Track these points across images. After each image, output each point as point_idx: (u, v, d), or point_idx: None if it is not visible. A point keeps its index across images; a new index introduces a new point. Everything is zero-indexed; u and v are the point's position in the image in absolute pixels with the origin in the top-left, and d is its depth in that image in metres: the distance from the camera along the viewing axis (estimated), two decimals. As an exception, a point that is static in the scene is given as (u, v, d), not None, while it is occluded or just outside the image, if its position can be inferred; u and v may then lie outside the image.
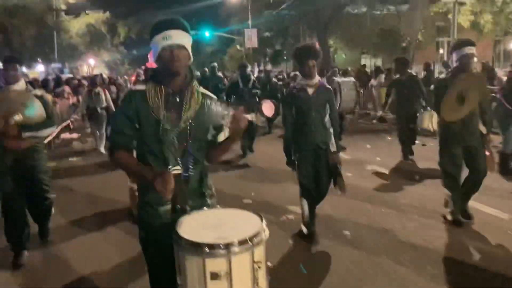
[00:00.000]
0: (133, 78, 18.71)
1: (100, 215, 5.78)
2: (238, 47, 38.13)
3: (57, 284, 3.97)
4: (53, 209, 5.01)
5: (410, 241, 4.65)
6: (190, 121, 2.37)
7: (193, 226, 2.15)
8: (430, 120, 7.93)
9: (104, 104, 9.92)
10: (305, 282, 3.92)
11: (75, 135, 12.03)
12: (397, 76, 8.48)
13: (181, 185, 2.33)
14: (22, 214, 4.56)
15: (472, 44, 4.80)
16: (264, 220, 2.16)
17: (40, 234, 5.00)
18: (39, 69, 31.95)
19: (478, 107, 4.84)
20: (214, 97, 2.55)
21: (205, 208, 2.42)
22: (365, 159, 8.56)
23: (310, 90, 4.56)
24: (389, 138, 10.75)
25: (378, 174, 7.59)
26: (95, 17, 33.37)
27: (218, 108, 2.46)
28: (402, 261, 4.20)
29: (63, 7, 29.52)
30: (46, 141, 5.07)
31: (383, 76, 14.56)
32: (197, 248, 1.96)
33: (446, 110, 4.67)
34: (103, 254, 4.54)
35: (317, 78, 4.63)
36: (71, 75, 25.94)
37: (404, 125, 8.24)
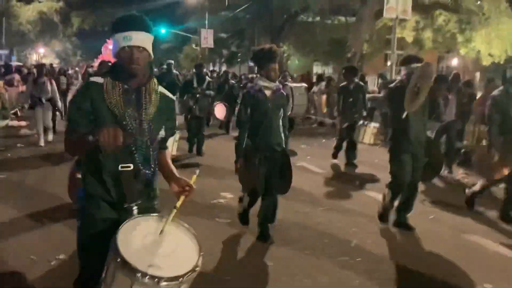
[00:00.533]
0: (82, 71, 18.49)
1: (39, 210, 5.46)
2: (193, 46, 38.36)
3: None
4: None
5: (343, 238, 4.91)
6: (148, 119, 2.37)
7: (133, 239, 2.11)
8: (370, 135, 8.28)
9: (49, 95, 9.71)
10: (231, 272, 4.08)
11: (23, 123, 11.82)
12: (344, 83, 8.80)
13: (131, 182, 2.34)
14: None
15: (419, 60, 5.05)
16: (201, 254, 2.12)
17: None
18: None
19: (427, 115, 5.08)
20: (172, 97, 2.58)
21: (150, 212, 2.38)
22: (297, 157, 8.97)
23: (268, 92, 4.58)
24: (323, 140, 11.48)
25: (305, 170, 8.04)
26: (47, 5, 32.66)
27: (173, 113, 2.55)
28: (342, 262, 4.34)
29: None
30: None
31: (323, 83, 15.39)
32: (129, 269, 1.95)
33: (408, 102, 4.79)
34: (42, 251, 4.30)
35: (276, 82, 4.67)
36: (20, 63, 25.34)
37: (345, 135, 8.62)
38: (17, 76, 13.41)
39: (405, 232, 5.13)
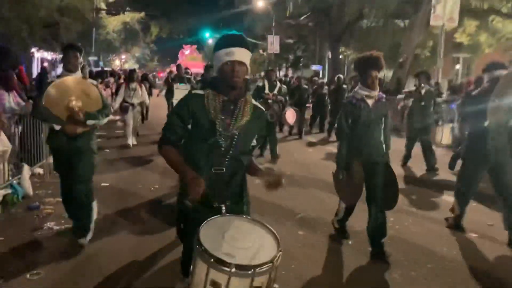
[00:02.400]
0: (161, 75, 20.70)
1: (129, 212, 5.71)
2: (261, 51, 40.53)
3: (91, 280, 3.85)
4: (95, 208, 4.76)
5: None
6: (240, 129, 2.58)
7: (214, 232, 2.24)
8: (448, 136, 8.38)
9: (140, 100, 10.10)
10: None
11: (117, 117, 12.49)
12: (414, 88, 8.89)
13: (221, 184, 2.55)
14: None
15: (503, 67, 4.92)
16: (279, 251, 2.18)
17: (77, 232, 4.63)
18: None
19: None
20: (264, 110, 2.78)
21: (238, 213, 2.53)
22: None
23: (370, 102, 4.36)
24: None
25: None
26: (130, 16, 36.16)
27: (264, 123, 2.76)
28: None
29: (103, 6, 32.28)
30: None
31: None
32: (206, 255, 2.07)
33: (493, 112, 4.64)
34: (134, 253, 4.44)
35: (377, 90, 4.43)
36: (109, 68, 28.67)
37: (414, 135, 8.72)
38: (111, 79, 15.88)
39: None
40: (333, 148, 10.07)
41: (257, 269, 2.05)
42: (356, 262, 4.40)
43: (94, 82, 4.64)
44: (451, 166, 8.31)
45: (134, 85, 10.14)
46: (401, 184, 5.68)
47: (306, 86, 14.30)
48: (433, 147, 8.68)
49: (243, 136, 2.61)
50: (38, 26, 18.19)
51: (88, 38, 31.80)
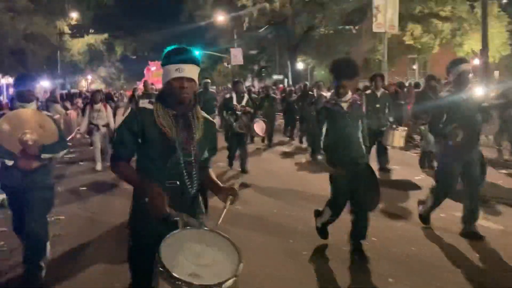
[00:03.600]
0: (129, 93, 21.14)
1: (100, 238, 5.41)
2: (225, 64, 41.78)
3: None
4: (48, 247, 4.46)
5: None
6: (196, 142, 2.56)
7: (176, 249, 2.22)
8: (399, 138, 8.34)
9: (105, 121, 9.82)
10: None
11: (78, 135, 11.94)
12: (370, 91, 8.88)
13: (177, 198, 2.49)
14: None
15: (466, 61, 5.12)
16: (240, 263, 2.19)
17: (27, 276, 4.28)
18: (43, 85, 35.29)
19: None
20: (213, 121, 2.80)
21: (193, 226, 2.50)
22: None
23: (345, 105, 4.47)
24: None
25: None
26: (95, 37, 36.89)
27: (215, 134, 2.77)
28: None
29: (67, 29, 32.95)
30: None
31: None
32: (171, 278, 2.06)
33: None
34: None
35: (350, 94, 4.53)
36: (76, 90, 29.31)
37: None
38: (79, 101, 16.56)
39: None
40: (304, 157, 10.49)
41: (223, 285, 2.09)
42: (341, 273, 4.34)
43: (50, 113, 4.52)
44: (422, 164, 8.79)
45: (98, 106, 9.91)
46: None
47: (274, 95, 14.53)
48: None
49: (198, 150, 2.61)
50: (6, 54, 18.93)
51: (53, 61, 32.40)
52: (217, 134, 2.86)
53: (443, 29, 21.98)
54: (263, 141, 13.15)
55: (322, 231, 4.94)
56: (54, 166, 4.59)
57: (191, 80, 2.49)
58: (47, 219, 4.47)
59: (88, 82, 49.97)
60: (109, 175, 8.35)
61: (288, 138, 14.16)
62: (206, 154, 2.73)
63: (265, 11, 26.12)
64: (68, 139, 8.47)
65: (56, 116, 11.48)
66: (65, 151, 4.35)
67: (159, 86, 16.14)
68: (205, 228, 2.49)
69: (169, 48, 2.58)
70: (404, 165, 9.27)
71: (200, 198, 2.75)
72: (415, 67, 33.22)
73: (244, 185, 7.70)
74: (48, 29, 21.91)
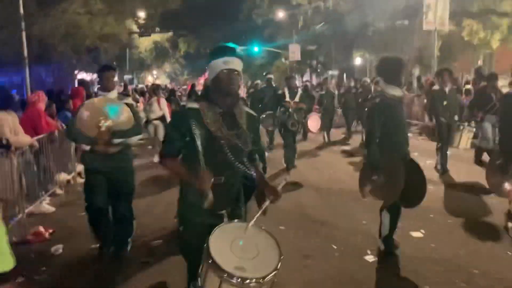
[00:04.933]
0: (189, 88, 22.22)
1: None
2: (283, 60, 42.80)
3: None
4: (134, 225, 4.89)
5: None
6: (240, 136, 2.71)
7: (223, 242, 2.39)
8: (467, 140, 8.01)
9: (157, 115, 9.99)
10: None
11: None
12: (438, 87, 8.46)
13: (221, 192, 2.64)
14: (105, 214, 4.63)
15: None
16: (281, 258, 2.38)
17: (115, 252, 4.76)
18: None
19: None
20: (256, 115, 2.93)
21: (238, 217, 2.71)
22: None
23: (398, 100, 4.50)
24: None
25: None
26: (160, 35, 39.18)
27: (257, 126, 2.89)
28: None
29: (135, 28, 35.38)
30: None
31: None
32: (218, 270, 2.27)
33: None
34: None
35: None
36: (142, 85, 31.56)
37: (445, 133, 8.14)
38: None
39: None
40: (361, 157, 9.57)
41: (266, 278, 2.29)
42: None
43: (129, 101, 4.68)
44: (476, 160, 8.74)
45: (151, 100, 10.39)
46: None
47: (333, 91, 14.19)
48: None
49: (242, 143, 2.71)
50: (83, 53, 21.14)
51: (123, 58, 34.92)
52: (259, 127, 3.05)
53: (501, 25, 21.75)
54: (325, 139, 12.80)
55: (390, 251, 4.72)
56: (132, 151, 4.79)
57: (236, 72, 2.66)
58: (132, 199, 4.79)
59: (154, 77, 52.81)
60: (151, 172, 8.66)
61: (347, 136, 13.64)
62: (250, 147, 2.82)
63: (319, 9, 26.90)
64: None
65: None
66: (139, 136, 4.57)
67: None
68: (249, 222, 2.56)
69: (215, 46, 2.87)
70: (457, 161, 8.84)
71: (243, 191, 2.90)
72: (480, 62, 32.61)
73: (288, 184, 7.49)
74: (119, 29, 23.97)
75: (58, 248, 5.18)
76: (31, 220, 5.96)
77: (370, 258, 4.74)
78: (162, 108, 10.23)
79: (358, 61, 32.22)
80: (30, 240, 5.42)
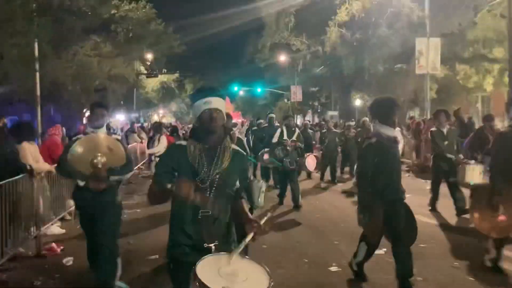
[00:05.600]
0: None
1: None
2: (285, 100, 44.03)
3: None
4: (119, 265, 4.72)
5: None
6: (222, 172, 2.77)
7: (209, 269, 2.35)
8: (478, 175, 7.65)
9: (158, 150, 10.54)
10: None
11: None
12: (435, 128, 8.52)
13: (209, 225, 2.73)
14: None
15: None
16: (271, 282, 2.32)
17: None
18: (119, 118, 39.19)
19: None
20: (244, 153, 3.03)
21: (225, 252, 2.56)
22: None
23: (395, 142, 4.55)
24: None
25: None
26: (167, 76, 40.61)
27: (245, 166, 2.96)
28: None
29: (143, 69, 36.73)
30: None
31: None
32: None
33: None
34: None
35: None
36: (147, 123, 32.49)
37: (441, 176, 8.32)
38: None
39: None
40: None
41: None
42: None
43: (119, 137, 4.83)
44: None
45: (155, 137, 11.10)
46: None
47: (336, 130, 14.25)
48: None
49: (225, 180, 2.78)
50: (92, 92, 22.16)
51: (130, 98, 36.12)
52: (248, 165, 3.11)
53: (492, 70, 22.71)
54: (321, 178, 12.74)
55: (360, 273, 5.00)
56: (121, 187, 4.91)
57: (218, 111, 2.75)
58: (118, 237, 4.74)
59: (159, 116, 54.03)
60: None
61: (347, 175, 13.74)
62: (237, 184, 2.90)
63: (318, 53, 28.07)
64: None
65: (133, 144, 13.78)
66: (131, 173, 4.74)
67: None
68: (234, 252, 2.53)
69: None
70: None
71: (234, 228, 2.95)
72: (478, 105, 33.48)
73: (275, 218, 7.81)
74: (126, 70, 25.07)
75: (69, 260, 5.93)
76: (44, 238, 6.68)
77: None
78: (160, 142, 10.70)
79: (358, 102, 33.21)
80: (44, 254, 6.23)
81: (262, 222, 2.63)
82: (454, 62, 23.26)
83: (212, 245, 2.68)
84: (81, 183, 4.50)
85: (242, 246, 2.52)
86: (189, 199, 2.56)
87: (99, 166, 4.21)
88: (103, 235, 4.50)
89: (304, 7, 26.42)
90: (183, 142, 2.84)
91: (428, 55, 18.24)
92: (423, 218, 7.61)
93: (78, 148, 4.32)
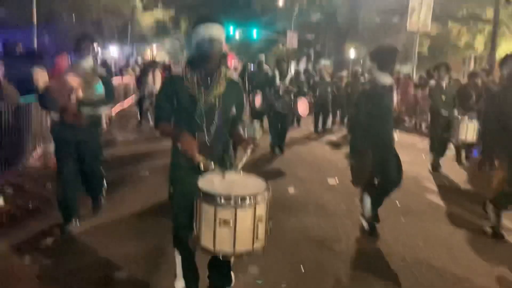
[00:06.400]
0: None
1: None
2: (280, 45, 43.85)
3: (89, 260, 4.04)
4: (105, 183, 5.19)
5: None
6: (218, 98, 2.87)
7: (211, 181, 2.54)
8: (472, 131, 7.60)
9: (151, 89, 10.88)
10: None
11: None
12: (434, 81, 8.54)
13: (206, 149, 2.81)
14: (73, 183, 4.68)
15: None
16: (268, 185, 2.49)
17: (93, 207, 5.15)
18: (111, 50, 39.03)
19: None
20: (238, 81, 3.10)
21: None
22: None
23: (388, 89, 4.58)
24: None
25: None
26: (162, 13, 40.15)
27: (241, 93, 3.04)
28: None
29: (138, 1, 36.29)
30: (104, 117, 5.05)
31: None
32: (211, 198, 2.34)
33: None
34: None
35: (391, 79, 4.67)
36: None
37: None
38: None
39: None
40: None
41: (256, 197, 2.37)
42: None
43: (103, 73, 4.75)
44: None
45: (149, 71, 11.33)
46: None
47: (329, 79, 13.83)
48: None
49: (222, 105, 2.87)
50: (87, 25, 22.29)
51: (124, 32, 35.93)
52: (243, 92, 3.10)
53: (483, 30, 23.16)
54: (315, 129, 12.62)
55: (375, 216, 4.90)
56: (102, 123, 4.98)
57: (217, 40, 2.78)
58: (100, 161, 5.06)
59: (153, 52, 53.59)
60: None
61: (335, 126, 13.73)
62: (233, 111, 3.01)
63: (315, 1, 28.05)
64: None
65: (127, 77, 13.98)
66: (108, 106, 4.79)
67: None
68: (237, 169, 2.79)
69: (199, 15, 2.96)
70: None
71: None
72: (472, 64, 33.97)
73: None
74: (122, 3, 24.96)
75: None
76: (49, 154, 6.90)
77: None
78: (156, 83, 10.73)
79: (352, 53, 33.48)
80: (50, 166, 6.47)
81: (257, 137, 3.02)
82: (447, 20, 23.61)
83: (210, 168, 2.74)
84: (55, 116, 4.57)
85: (244, 160, 2.76)
86: (192, 156, 2.68)
87: (73, 100, 4.28)
88: (90, 162, 4.80)
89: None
90: (179, 72, 2.92)
91: (421, 12, 18.51)
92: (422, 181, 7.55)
93: (54, 82, 4.39)
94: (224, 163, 2.96)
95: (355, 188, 5.21)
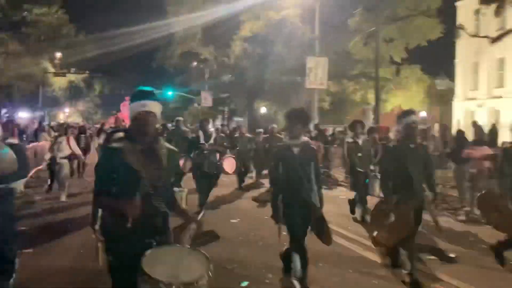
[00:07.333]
0: (99, 127, 21.21)
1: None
2: (196, 105, 45.35)
3: None
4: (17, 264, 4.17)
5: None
6: (162, 171, 2.93)
7: (154, 261, 2.53)
8: None
9: (65, 154, 10.07)
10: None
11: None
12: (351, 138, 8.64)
13: (148, 222, 2.85)
14: None
15: (413, 113, 5.19)
16: (210, 265, 2.55)
17: None
18: (22, 115, 38.20)
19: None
20: (176, 150, 3.24)
21: (167, 244, 2.83)
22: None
23: (296, 149, 4.73)
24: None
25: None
26: (75, 75, 40.36)
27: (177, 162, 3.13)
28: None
29: (50, 66, 36.30)
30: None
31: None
32: (154, 283, 2.37)
33: None
34: None
35: (302, 138, 4.80)
36: (54, 122, 32.29)
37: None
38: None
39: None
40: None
41: (200, 282, 2.47)
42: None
43: (15, 141, 4.44)
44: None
45: (61, 138, 10.32)
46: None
47: (248, 135, 14.33)
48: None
49: (164, 177, 2.96)
50: (-3, 90, 22.22)
51: (36, 95, 35.60)
52: (179, 161, 3.33)
53: (372, 87, 26.33)
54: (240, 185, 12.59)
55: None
56: (14, 196, 4.29)
57: (153, 114, 2.91)
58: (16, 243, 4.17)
59: (66, 115, 52.65)
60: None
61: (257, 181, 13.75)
62: (172, 180, 3.17)
63: (225, 63, 30.12)
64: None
65: (43, 143, 12.99)
66: (23, 180, 4.36)
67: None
68: (176, 244, 2.84)
69: (135, 90, 3.03)
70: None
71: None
72: (371, 117, 37.45)
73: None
74: (35, 69, 25.15)
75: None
76: None
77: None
78: (72, 146, 10.32)
79: (263, 110, 35.65)
80: None
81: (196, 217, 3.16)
82: (342, 79, 26.63)
83: (152, 240, 2.83)
84: None
85: (188, 236, 2.92)
86: (134, 217, 2.71)
87: None
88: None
89: (210, 21, 28.08)
90: (117, 145, 2.91)
91: (317, 72, 20.84)
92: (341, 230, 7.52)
93: None
94: (166, 234, 3.01)
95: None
